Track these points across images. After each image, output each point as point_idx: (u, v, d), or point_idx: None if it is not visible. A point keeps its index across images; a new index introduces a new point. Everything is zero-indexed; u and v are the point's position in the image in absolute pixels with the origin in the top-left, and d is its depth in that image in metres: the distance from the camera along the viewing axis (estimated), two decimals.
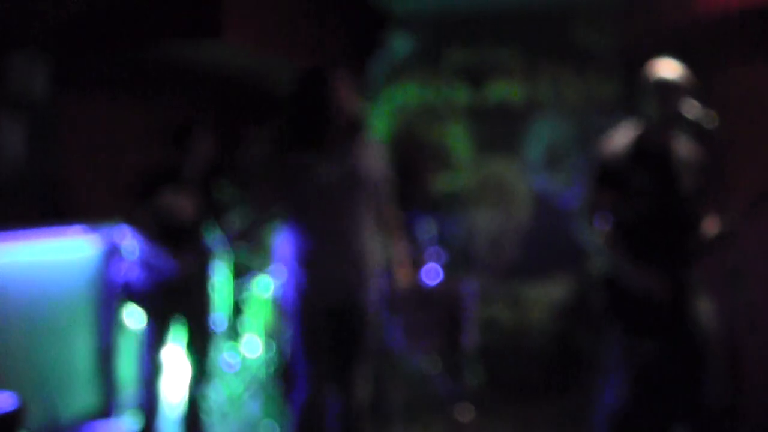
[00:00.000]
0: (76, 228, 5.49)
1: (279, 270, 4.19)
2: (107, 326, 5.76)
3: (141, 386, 5.09)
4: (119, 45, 5.66)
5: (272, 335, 6.08)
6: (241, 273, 6.94)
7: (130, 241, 5.01)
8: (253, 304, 6.21)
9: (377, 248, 4.17)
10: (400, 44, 7.85)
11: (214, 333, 5.43)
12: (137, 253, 5.00)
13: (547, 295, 7.67)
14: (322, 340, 4.07)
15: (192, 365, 5.16)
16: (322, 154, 4.04)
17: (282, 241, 4.19)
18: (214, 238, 5.21)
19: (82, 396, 5.60)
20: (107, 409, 5.78)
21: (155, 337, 5.02)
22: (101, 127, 6.04)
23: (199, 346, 5.17)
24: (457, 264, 6.76)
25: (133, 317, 5.14)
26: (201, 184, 5.18)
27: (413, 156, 7.93)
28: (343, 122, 4.04)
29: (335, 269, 4.04)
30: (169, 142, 5.11)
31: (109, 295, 5.73)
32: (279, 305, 5.99)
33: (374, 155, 4.21)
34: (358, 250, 4.05)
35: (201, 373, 5.19)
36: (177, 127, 5.12)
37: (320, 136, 4.04)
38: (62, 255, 5.45)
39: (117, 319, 5.70)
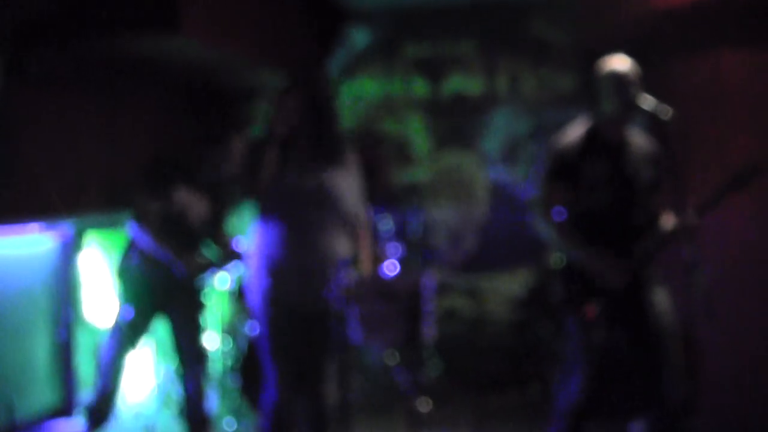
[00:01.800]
0: (34, 224, 5.44)
1: (246, 270, 4.21)
2: (66, 323, 5.71)
3: (100, 381, 5.04)
4: (76, 39, 5.61)
5: (229, 330, 6.07)
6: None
7: (136, 234, 4.87)
8: (210, 299, 6.19)
9: (343, 249, 4.19)
10: (357, 38, 7.85)
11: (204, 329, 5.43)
12: (142, 244, 4.87)
13: (506, 287, 7.72)
14: (291, 341, 4.08)
15: (188, 363, 5.09)
16: (294, 159, 4.06)
17: (250, 242, 4.20)
18: (214, 246, 5.15)
19: (41, 394, 5.55)
20: (67, 407, 5.73)
21: (135, 332, 4.92)
22: (58, 123, 5.98)
23: (194, 347, 5.13)
24: (415, 257, 6.79)
25: (113, 304, 5.03)
26: (216, 189, 5.07)
27: (371, 150, 7.93)
28: (303, 135, 4.08)
29: (302, 271, 4.06)
30: (210, 146, 5.03)
31: (69, 291, 5.68)
32: (240, 301, 5.99)
33: (349, 163, 4.24)
34: (326, 253, 4.07)
35: (200, 370, 5.14)
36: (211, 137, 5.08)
37: (293, 143, 4.07)
38: (20, 250, 5.39)
39: (76, 315, 5.63)
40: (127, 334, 4.94)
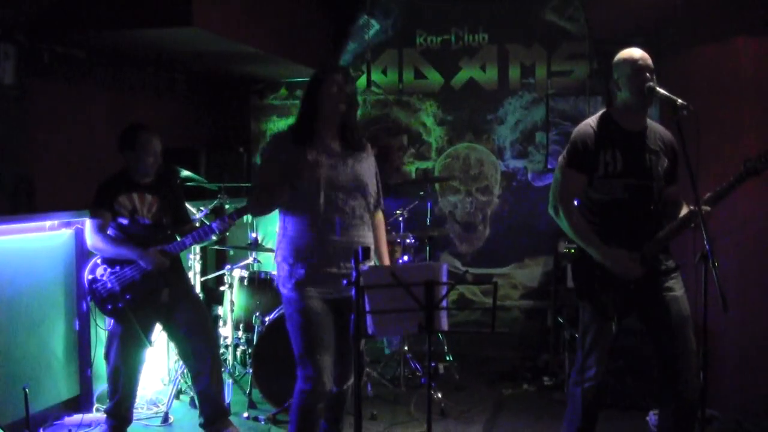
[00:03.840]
0: (51, 218, 5.44)
1: (276, 262, 4.20)
2: (83, 317, 5.72)
3: (110, 387, 5.10)
4: (87, 33, 5.62)
5: (242, 321, 6.08)
6: (216, 263, 6.94)
7: (100, 246, 4.97)
8: (225, 292, 6.22)
9: (369, 235, 4.21)
10: (371, 28, 7.85)
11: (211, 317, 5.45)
12: (107, 254, 4.98)
13: (521, 275, 7.73)
14: (324, 332, 4.06)
15: (199, 358, 5.13)
16: (320, 151, 4.06)
17: (280, 234, 4.20)
18: (181, 232, 5.18)
19: (57, 385, 5.57)
20: (83, 398, 5.74)
21: (130, 337, 4.99)
22: (72, 116, 6.00)
23: (205, 334, 5.16)
24: (428, 246, 6.80)
25: (105, 318, 5.11)
26: (158, 182, 5.16)
27: (385, 138, 7.95)
28: (335, 123, 4.11)
29: (333, 259, 4.05)
30: (118, 147, 5.06)
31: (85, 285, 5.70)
32: (253, 291, 6.00)
33: (368, 156, 4.28)
34: (354, 239, 4.07)
35: (214, 359, 5.18)
36: (122, 132, 5.07)
37: (316, 134, 4.09)
38: (36, 244, 5.40)
39: (95, 309, 5.65)
40: (124, 342, 4.99)
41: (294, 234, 4.09)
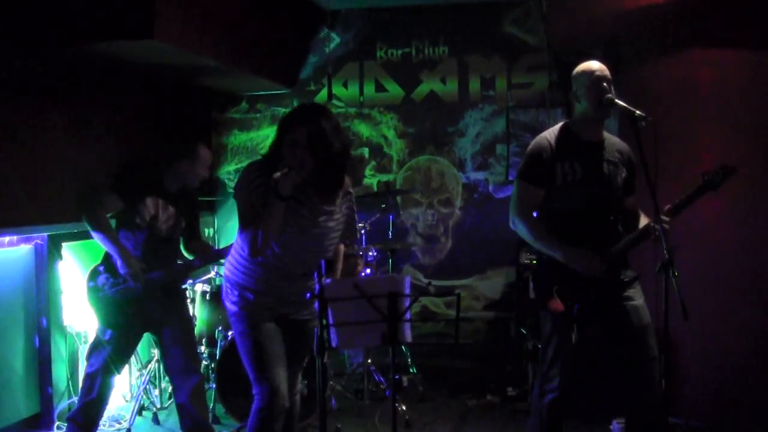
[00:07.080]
0: (9, 234, 5.37)
1: (225, 275, 4.05)
2: (43, 334, 5.65)
3: (82, 394, 5.01)
4: (44, 45, 5.57)
5: (205, 335, 6.05)
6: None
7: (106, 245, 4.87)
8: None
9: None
10: (332, 41, 7.86)
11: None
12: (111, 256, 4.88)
13: (483, 286, 7.75)
14: (277, 345, 3.91)
15: (181, 373, 5.06)
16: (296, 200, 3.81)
17: (235, 252, 4.01)
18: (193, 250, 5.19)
19: (17, 405, 5.49)
20: (43, 415, 5.67)
21: (119, 349, 4.94)
22: (32, 130, 5.93)
23: (187, 350, 5.10)
24: (391, 258, 6.80)
25: (95, 325, 5.04)
26: (180, 196, 5.10)
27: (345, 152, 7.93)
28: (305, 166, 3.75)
29: (284, 302, 3.97)
30: (172, 155, 5.02)
31: (45, 299, 5.62)
32: (215, 305, 5.97)
33: (342, 205, 4.02)
34: (307, 289, 3.95)
35: (196, 376, 5.11)
36: (180, 142, 5.05)
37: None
38: None
39: (53, 324, 5.58)
40: (111, 352, 4.92)
41: (247, 266, 3.92)
